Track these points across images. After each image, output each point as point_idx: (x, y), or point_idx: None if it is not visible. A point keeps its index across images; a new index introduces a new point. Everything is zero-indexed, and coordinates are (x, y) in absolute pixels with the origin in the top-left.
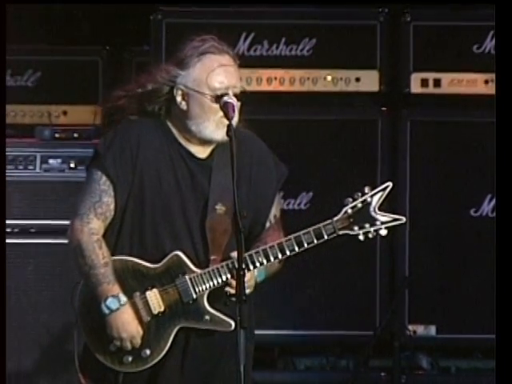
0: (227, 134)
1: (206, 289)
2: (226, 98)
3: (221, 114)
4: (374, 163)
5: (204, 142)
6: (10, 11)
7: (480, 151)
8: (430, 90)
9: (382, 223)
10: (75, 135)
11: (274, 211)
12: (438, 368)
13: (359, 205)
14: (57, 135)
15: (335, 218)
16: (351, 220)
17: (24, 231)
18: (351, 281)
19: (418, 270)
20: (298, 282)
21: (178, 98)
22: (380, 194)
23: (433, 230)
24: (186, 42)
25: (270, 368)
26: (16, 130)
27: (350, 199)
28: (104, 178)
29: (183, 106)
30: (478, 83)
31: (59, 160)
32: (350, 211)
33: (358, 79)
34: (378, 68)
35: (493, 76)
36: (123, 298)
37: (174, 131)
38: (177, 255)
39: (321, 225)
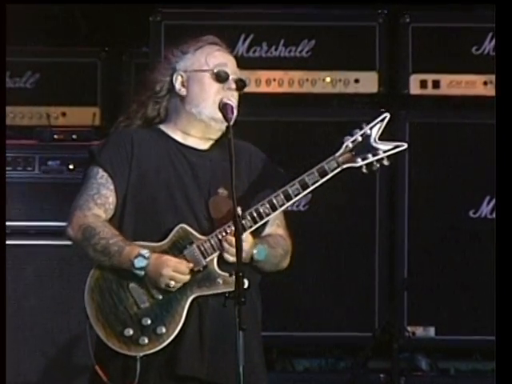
0: (226, 136)
1: (215, 251)
2: (224, 100)
3: (220, 95)
4: None
5: (203, 128)
6: (9, 13)
7: (479, 152)
8: (429, 91)
9: (384, 152)
10: (74, 137)
11: (277, 213)
12: (437, 369)
13: (359, 138)
14: (56, 137)
15: (337, 154)
16: (353, 153)
17: (22, 233)
18: (350, 282)
19: (417, 272)
20: (297, 284)
21: (177, 85)
22: (379, 125)
23: (432, 231)
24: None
25: (269, 369)
26: (15, 131)
27: (349, 136)
28: (101, 172)
29: (183, 91)
30: (476, 85)
31: (58, 161)
32: (350, 145)
33: (356, 80)
34: (376, 69)
35: (492, 77)
36: (145, 251)
37: (169, 132)
38: (182, 227)
39: (323, 163)
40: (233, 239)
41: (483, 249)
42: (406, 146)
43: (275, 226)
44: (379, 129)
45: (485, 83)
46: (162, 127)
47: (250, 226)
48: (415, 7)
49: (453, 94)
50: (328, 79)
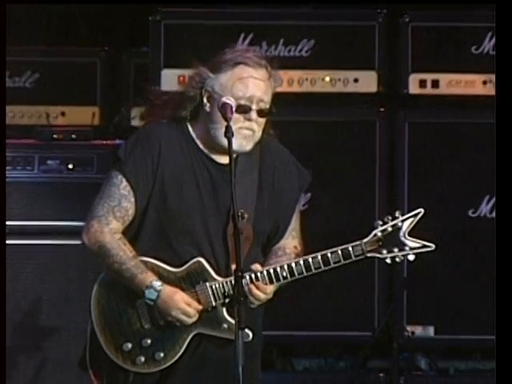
0: (225, 135)
1: (226, 298)
2: (224, 99)
3: (240, 124)
4: (372, 164)
5: (222, 148)
6: (9, 13)
7: (478, 152)
8: (428, 90)
9: (411, 249)
10: (73, 136)
11: (294, 224)
12: (437, 369)
13: (389, 229)
14: (55, 136)
15: (364, 240)
16: (380, 243)
17: (22, 232)
18: (350, 282)
19: (416, 271)
20: (297, 283)
21: (204, 99)
22: (411, 219)
23: (431, 231)
24: (228, 47)
25: (269, 369)
26: (14, 130)
27: (380, 222)
28: (124, 183)
29: (207, 108)
30: (476, 84)
31: (57, 161)
32: (379, 234)
33: (356, 80)
34: (376, 69)
35: (491, 77)
36: (157, 284)
37: (195, 137)
38: (199, 261)
39: (349, 245)
40: (258, 293)
41: (482, 248)
42: (433, 246)
43: (290, 237)
44: (411, 223)
45: (484, 83)
46: (190, 129)
47: (265, 284)
48: (415, 7)
49: (452, 93)
50: (327, 78)
